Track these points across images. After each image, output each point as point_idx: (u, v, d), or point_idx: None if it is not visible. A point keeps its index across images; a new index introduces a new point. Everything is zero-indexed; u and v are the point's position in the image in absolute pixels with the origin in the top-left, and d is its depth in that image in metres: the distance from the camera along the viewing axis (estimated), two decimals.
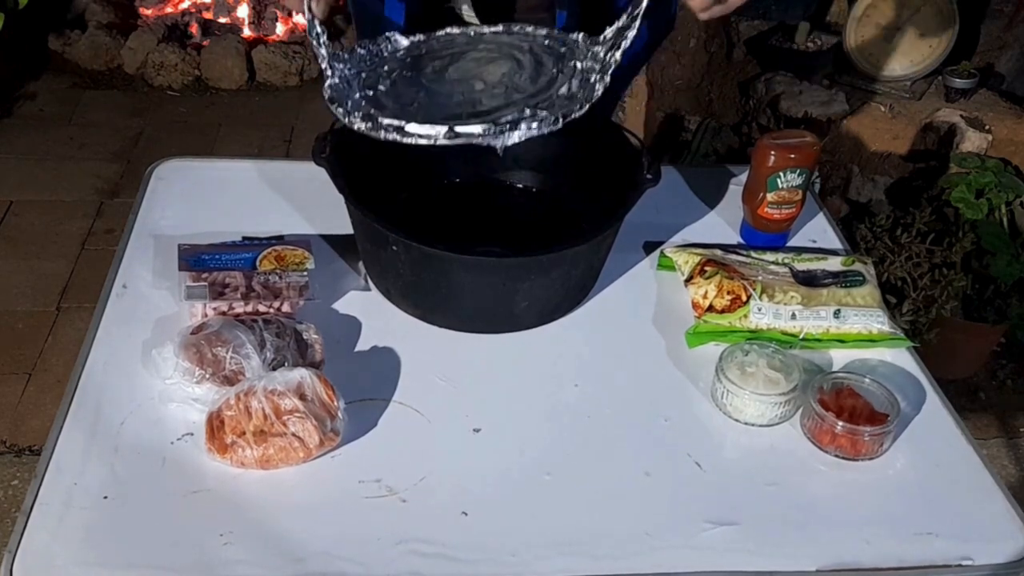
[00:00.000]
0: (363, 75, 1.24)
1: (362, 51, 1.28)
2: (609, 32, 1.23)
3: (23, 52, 3.62)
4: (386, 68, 1.26)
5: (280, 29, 3.82)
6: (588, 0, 1.38)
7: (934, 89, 2.70)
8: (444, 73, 1.24)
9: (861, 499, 1.06)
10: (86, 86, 3.59)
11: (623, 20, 1.20)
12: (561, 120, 1.13)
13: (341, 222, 1.30)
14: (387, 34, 1.31)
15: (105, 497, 0.98)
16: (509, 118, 1.13)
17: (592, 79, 1.19)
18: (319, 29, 1.21)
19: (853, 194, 2.70)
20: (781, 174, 1.35)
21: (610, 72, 1.19)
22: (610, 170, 1.34)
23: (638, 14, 1.17)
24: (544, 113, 1.13)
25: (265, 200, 1.44)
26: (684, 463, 1.08)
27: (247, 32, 3.80)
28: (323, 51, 1.21)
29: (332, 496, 1.01)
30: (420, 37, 1.32)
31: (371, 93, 1.20)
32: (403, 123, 1.12)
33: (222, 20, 3.82)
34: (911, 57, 2.65)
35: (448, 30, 1.33)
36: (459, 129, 1.11)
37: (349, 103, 1.17)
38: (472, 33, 1.33)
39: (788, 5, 2.88)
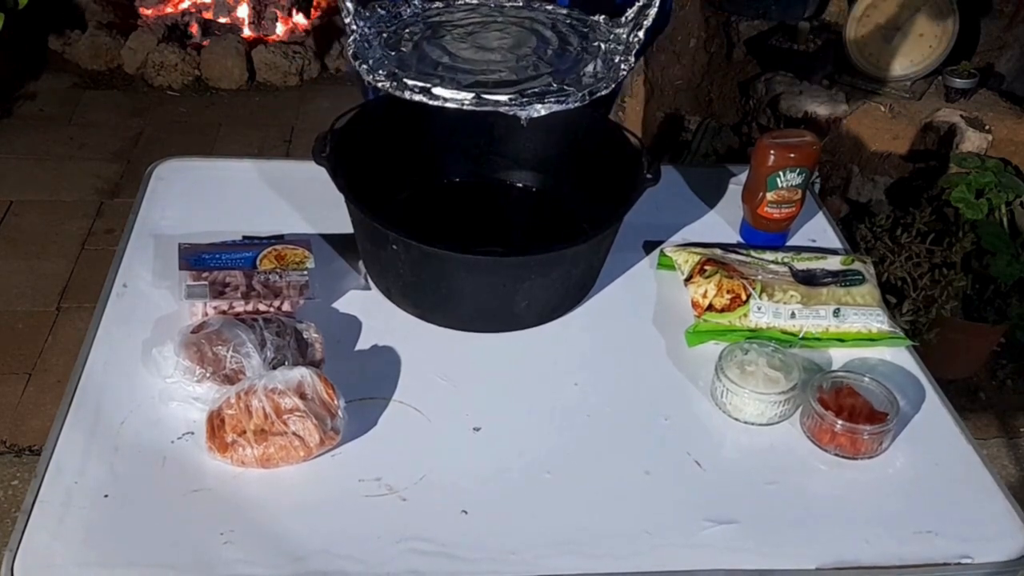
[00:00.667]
0: (384, 35, 1.24)
1: (381, 11, 1.28)
2: (630, 13, 1.23)
3: (23, 52, 3.62)
4: (407, 31, 1.25)
5: (280, 29, 3.82)
6: None
7: (934, 89, 2.70)
8: (468, 40, 1.24)
9: (861, 498, 1.06)
10: (86, 86, 3.59)
11: None
12: (588, 97, 1.13)
13: (341, 222, 1.30)
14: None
15: (105, 496, 0.98)
16: (536, 90, 1.13)
17: (617, 59, 1.20)
18: None
19: (853, 194, 2.71)
20: (781, 173, 1.35)
21: (634, 52, 1.19)
22: (610, 170, 1.34)
23: None
24: (572, 89, 1.13)
25: (265, 200, 1.44)
26: (684, 462, 1.08)
27: (247, 32, 3.80)
28: (349, 4, 1.21)
29: (332, 495, 1.01)
30: (439, 4, 1.33)
31: (393, 53, 1.20)
32: (429, 85, 1.12)
33: (222, 20, 3.82)
34: (911, 57, 2.65)
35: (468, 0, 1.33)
36: (486, 96, 1.11)
37: (372, 61, 1.17)
38: (492, 4, 1.33)
39: (788, 5, 2.88)
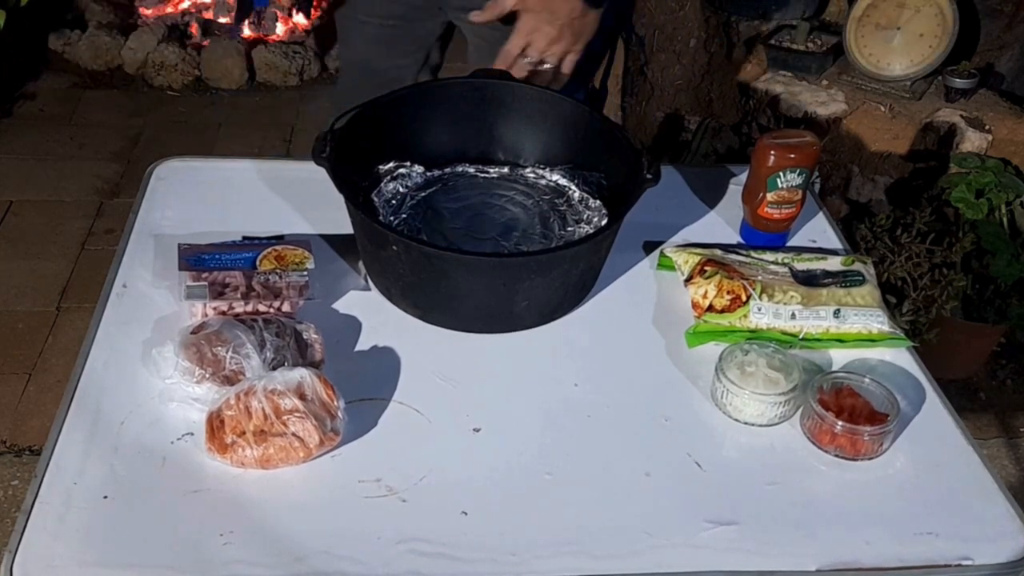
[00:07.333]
0: (392, 219, 1.31)
1: (389, 186, 1.35)
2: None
3: (23, 52, 3.62)
4: (404, 216, 1.32)
5: (280, 29, 3.81)
6: None
7: (934, 89, 2.70)
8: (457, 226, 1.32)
9: (861, 499, 1.06)
10: (86, 86, 3.59)
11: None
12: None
13: (341, 222, 1.30)
14: (408, 168, 1.37)
15: (105, 497, 0.98)
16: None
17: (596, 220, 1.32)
18: None
19: (853, 194, 2.70)
20: (781, 174, 1.35)
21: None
22: (610, 170, 1.34)
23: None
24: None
25: (265, 200, 1.44)
26: (684, 463, 1.08)
27: (247, 32, 3.80)
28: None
29: (332, 495, 1.01)
30: (436, 172, 1.39)
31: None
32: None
33: (222, 20, 3.82)
34: (911, 57, 2.65)
35: (459, 168, 1.41)
36: None
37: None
38: (482, 179, 1.40)
39: (788, 5, 2.88)
